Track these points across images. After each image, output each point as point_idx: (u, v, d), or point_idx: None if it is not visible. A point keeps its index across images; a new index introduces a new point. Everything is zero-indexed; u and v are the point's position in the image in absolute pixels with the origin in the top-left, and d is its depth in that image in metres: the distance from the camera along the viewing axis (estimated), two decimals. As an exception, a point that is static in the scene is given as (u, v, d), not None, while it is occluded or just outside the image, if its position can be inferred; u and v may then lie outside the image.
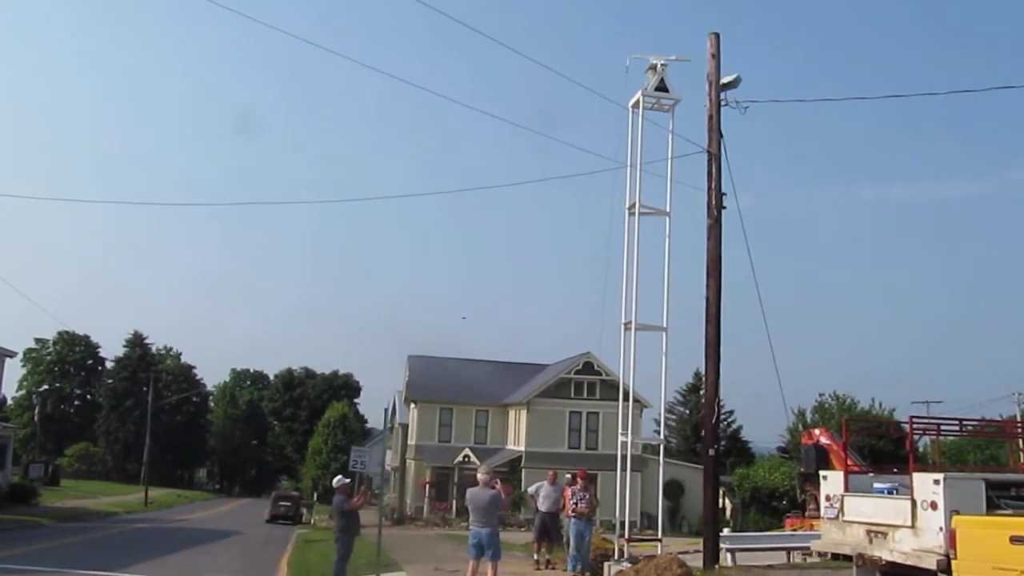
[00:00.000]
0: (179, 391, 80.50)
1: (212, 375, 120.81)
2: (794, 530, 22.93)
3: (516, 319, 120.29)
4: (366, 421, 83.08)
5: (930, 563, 10.54)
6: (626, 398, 16.01)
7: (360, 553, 16.06)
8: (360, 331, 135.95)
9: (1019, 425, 31.63)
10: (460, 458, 45.57)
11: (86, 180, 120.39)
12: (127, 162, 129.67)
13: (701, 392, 43.03)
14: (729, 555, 17.02)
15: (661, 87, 16.03)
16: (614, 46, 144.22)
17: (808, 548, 16.27)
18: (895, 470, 13.44)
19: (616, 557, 15.04)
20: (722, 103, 15.43)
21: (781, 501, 36.04)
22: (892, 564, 11.29)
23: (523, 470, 43.01)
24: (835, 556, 14.26)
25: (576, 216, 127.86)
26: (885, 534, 11.51)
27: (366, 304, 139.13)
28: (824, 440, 24.85)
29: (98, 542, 24.40)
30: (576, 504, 16.07)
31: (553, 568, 16.84)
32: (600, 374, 45.27)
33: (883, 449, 31.97)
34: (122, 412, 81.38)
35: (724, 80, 15.46)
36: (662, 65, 16.01)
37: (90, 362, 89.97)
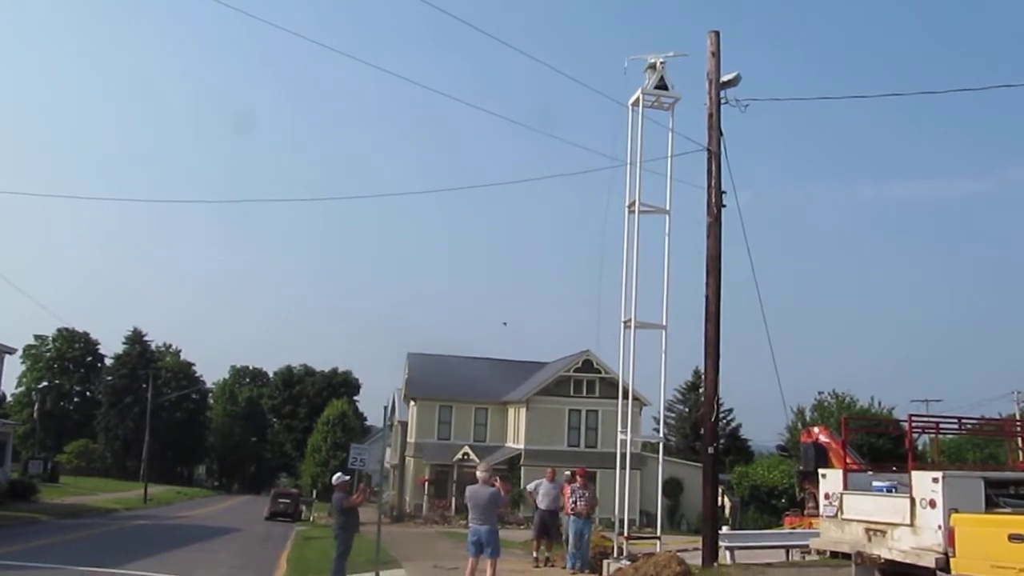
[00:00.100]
0: (178, 388, 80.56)
1: (212, 372, 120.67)
2: (793, 528, 22.96)
3: (516, 317, 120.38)
4: (365, 418, 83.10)
5: (929, 561, 10.55)
6: (625, 396, 15.99)
7: (359, 550, 16.07)
8: (360, 329, 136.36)
9: (1018, 424, 31.60)
10: (459, 456, 45.57)
11: (86, 180, 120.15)
12: (127, 162, 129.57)
13: (700, 390, 42.99)
14: (728, 553, 17.00)
15: (661, 85, 16.00)
16: (614, 45, 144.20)
17: (807, 546, 16.24)
18: (894, 468, 13.40)
19: (615, 555, 15.03)
20: (722, 101, 15.37)
21: (780, 499, 36.15)
22: (891, 562, 11.28)
23: (522, 468, 43.08)
24: (834, 554, 14.22)
25: (576, 214, 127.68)
26: (884, 532, 11.50)
27: (366, 302, 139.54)
28: (823, 438, 24.91)
29: (97, 539, 24.38)
30: (575, 502, 16.10)
31: (552, 566, 16.82)
32: (599, 372, 45.30)
33: (882, 447, 32.00)
34: (121, 409, 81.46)
35: (724, 78, 15.40)
36: (661, 63, 15.98)
37: (89, 359, 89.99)
